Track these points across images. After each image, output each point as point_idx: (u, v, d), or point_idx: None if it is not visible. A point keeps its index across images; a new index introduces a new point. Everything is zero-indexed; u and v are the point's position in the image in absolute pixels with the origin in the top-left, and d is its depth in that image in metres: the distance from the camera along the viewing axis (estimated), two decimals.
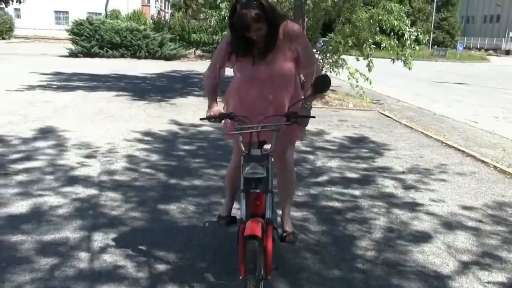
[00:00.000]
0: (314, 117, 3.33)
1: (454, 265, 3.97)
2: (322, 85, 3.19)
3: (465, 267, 3.95)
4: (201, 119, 3.47)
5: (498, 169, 6.96)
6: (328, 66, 13.91)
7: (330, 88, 13.69)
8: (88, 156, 6.70)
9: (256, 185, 3.15)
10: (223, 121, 3.52)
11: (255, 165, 3.11)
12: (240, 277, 3.13)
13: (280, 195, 3.92)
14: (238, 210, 3.75)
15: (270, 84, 3.41)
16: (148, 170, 6.21)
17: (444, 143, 8.59)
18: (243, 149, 3.22)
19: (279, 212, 4.00)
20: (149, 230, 4.41)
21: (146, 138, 8.00)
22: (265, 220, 3.15)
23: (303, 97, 3.50)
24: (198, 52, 33.32)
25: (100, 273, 3.61)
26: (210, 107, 3.49)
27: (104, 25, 28.17)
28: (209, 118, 3.41)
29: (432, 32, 61.41)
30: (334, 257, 3.99)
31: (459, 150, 8.08)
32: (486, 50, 68.56)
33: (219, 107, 3.48)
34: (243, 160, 3.21)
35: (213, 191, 5.46)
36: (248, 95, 3.50)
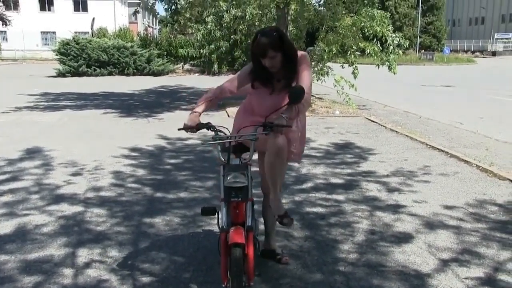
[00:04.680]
0: (290, 126, 3.37)
1: (434, 263, 4.02)
2: (295, 95, 3.25)
3: (444, 264, 4.01)
4: (178, 129, 3.50)
5: (481, 168, 7.04)
6: (314, 74, 14.00)
7: (317, 96, 13.75)
8: (75, 174, 6.73)
9: (237, 194, 3.20)
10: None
11: (236, 174, 3.17)
12: (223, 285, 3.17)
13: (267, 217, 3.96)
14: None
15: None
16: (134, 185, 6.24)
17: (429, 145, 8.67)
18: (222, 159, 3.28)
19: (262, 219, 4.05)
20: (134, 244, 4.43)
21: (132, 154, 8.04)
22: (246, 228, 3.20)
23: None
24: (187, 66, 33.42)
25: None
26: (191, 113, 3.46)
27: (90, 44, 28.24)
28: (186, 128, 3.44)
29: (418, 37, 61.86)
30: (316, 261, 4.03)
31: (443, 151, 8.16)
32: (473, 52, 69.07)
33: (198, 117, 3.45)
34: (223, 170, 3.27)
35: (198, 203, 5.49)
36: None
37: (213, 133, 3.35)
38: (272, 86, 3.54)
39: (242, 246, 2.98)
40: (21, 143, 8.76)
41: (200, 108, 3.47)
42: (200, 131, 3.41)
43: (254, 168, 3.66)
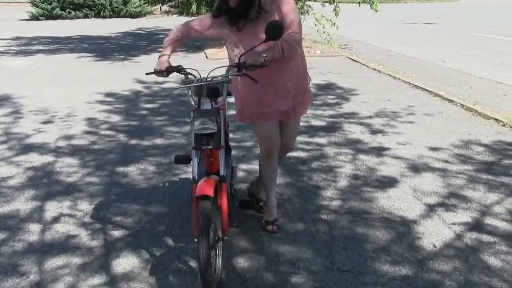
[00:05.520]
0: (266, 65, 3.02)
1: (420, 208, 3.86)
2: (272, 30, 2.93)
3: (430, 210, 3.85)
4: (147, 73, 3.22)
5: (465, 107, 6.87)
6: None
7: None
8: (46, 122, 6.45)
9: (207, 141, 2.95)
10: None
11: (204, 120, 2.89)
12: (195, 239, 2.96)
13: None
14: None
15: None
16: (108, 132, 5.98)
17: (412, 84, 8.46)
18: (193, 103, 3.02)
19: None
20: (106, 195, 4.22)
21: (107, 99, 7.74)
22: (219, 178, 2.96)
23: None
24: (164, 7, 32.30)
25: (52, 245, 3.43)
26: (160, 57, 3.19)
27: None
28: (155, 73, 3.16)
29: None
30: (297, 209, 3.85)
31: (426, 90, 7.96)
32: None
33: (167, 60, 3.16)
34: (192, 115, 3.00)
35: (174, 149, 5.27)
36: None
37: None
38: (234, 21, 3.18)
39: (209, 199, 2.71)
40: None
41: (168, 50, 3.21)
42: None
43: (232, 111, 3.42)
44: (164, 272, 3.07)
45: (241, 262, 3.16)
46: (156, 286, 2.93)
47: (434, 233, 3.48)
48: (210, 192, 2.70)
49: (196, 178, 2.93)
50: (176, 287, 2.92)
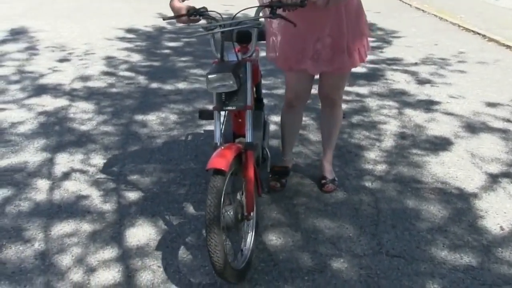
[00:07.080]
0: (303, 5, 2.32)
1: (480, 179, 3.32)
2: None
3: (493, 181, 3.30)
4: (164, 19, 2.65)
5: None
6: None
7: None
8: (62, 60, 6.04)
9: (230, 101, 2.43)
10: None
11: (221, 76, 2.33)
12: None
13: (322, 134, 3.31)
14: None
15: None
16: (127, 74, 5.53)
17: (462, 26, 7.74)
18: (216, 53, 2.47)
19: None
20: (121, 148, 3.79)
21: (128, 36, 7.25)
22: (245, 145, 2.44)
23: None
24: None
25: (60, 206, 3.03)
26: (171, 2, 2.53)
27: None
28: (174, 17, 2.59)
29: None
30: (337, 174, 3.33)
31: (479, 34, 7.25)
32: None
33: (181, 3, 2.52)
34: (210, 69, 2.44)
35: (198, 96, 4.80)
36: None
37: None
38: None
39: (223, 174, 2.16)
40: (4, 21, 7.94)
41: None
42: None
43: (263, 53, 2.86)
44: (184, 248, 2.65)
45: (273, 239, 2.71)
46: (174, 266, 2.51)
47: (500, 211, 2.95)
48: (223, 165, 2.16)
49: (218, 144, 2.42)
50: (198, 267, 2.50)
